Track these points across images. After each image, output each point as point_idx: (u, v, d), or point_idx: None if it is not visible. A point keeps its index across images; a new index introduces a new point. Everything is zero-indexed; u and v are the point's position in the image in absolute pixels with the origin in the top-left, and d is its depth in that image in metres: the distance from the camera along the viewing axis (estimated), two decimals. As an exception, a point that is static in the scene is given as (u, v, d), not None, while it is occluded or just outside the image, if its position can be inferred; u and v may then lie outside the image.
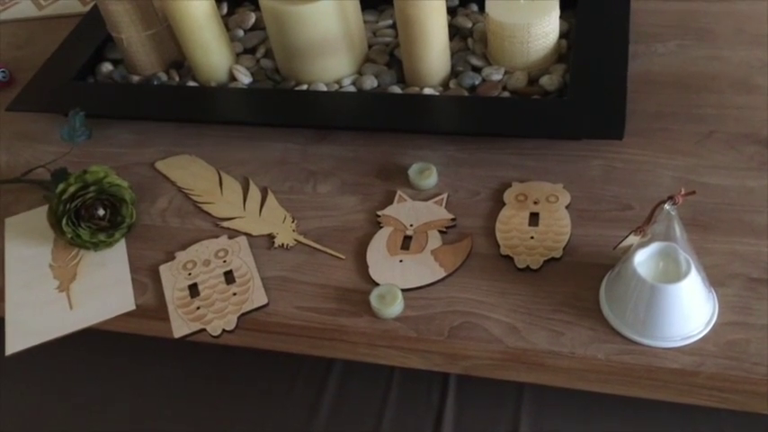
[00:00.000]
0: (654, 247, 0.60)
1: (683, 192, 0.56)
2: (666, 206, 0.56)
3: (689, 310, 0.59)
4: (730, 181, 0.71)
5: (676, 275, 0.59)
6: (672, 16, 0.91)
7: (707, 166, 0.73)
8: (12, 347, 0.70)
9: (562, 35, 0.87)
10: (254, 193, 0.80)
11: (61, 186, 0.74)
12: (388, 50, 0.93)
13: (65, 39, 1.01)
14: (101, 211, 0.75)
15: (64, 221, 0.74)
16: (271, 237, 0.75)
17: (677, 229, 0.57)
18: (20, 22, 1.15)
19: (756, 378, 0.57)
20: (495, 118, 0.79)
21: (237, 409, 0.86)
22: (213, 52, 0.90)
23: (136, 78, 0.95)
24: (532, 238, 0.70)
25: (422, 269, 0.69)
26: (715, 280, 0.63)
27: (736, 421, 0.73)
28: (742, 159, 0.73)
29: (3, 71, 1.01)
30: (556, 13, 0.82)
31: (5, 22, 1.16)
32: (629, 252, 0.61)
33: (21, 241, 0.80)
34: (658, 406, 0.64)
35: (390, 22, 0.96)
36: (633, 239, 0.61)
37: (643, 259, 0.60)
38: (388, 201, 0.77)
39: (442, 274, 0.69)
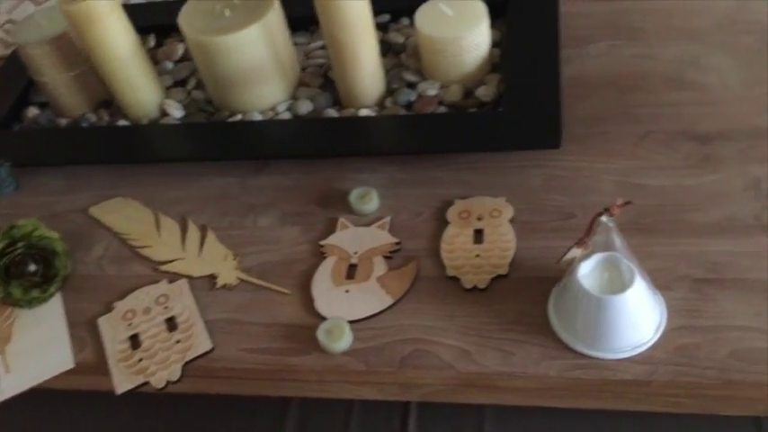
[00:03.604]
0: (596, 258, 0.59)
1: (618, 202, 0.55)
2: (603, 218, 0.56)
3: (637, 319, 0.59)
4: (669, 181, 0.71)
5: (621, 285, 0.58)
6: (601, 17, 0.91)
7: (646, 168, 0.73)
8: (-54, 420, 0.67)
9: (494, 44, 0.87)
10: (193, 232, 0.78)
11: (-13, 245, 0.71)
12: (322, 72, 0.91)
13: (-14, 85, 0.97)
14: (32, 267, 0.72)
15: (-7, 281, 0.71)
16: (212, 277, 0.73)
17: (617, 240, 0.57)
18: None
19: (708, 383, 0.57)
20: (432, 135, 0.78)
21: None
22: (141, 89, 0.87)
23: (64, 121, 0.92)
24: (478, 256, 0.69)
25: (368, 298, 0.68)
26: (661, 284, 0.62)
27: (697, 421, 0.73)
28: (679, 158, 0.73)
29: (-76, 124, 0.97)
30: (486, 23, 0.82)
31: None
32: (573, 265, 0.60)
33: (-49, 304, 0.76)
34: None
35: (322, 42, 0.95)
36: (576, 252, 0.60)
37: (587, 272, 0.59)
38: (331, 229, 0.75)
39: (389, 301, 0.67)
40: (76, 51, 0.89)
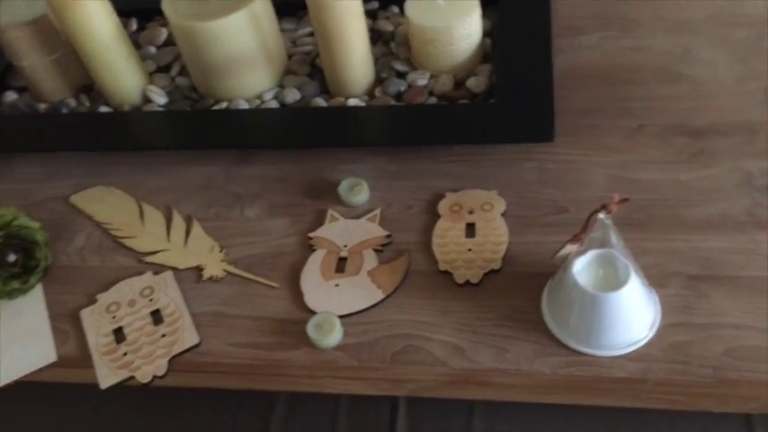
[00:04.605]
0: (591, 254, 0.58)
1: (616, 199, 0.54)
2: (600, 215, 0.55)
3: (631, 317, 0.58)
4: (662, 175, 0.71)
5: (616, 282, 0.57)
6: (593, 8, 0.90)
7: (638, 162, 0.72)
8: (-77, 415, 0.65)
9: (486, 34, 0.85)
10: (178, 222, 0.76)
11: (-36, 235, 0.69)
12: (310, 60, 0.89)
13: (-38, 69, 0.94)
14: (11, 257, 0.70)
15: (-30, 272, 0.69)
16: (199, 269, 0.71)
17: (613, 237, 0.56)
18: None
19: (702, 381, 0.56)
20: (423, 126, 0.77)
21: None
22: (123, 74, 0.85)
23: (43, 107, 0.89)
24: (470, 250, 0.68)
25: (359, 292, 0.67)
26: (655, 281, 0.62)
27: (687, 418, 0.73)
28: (672, 152, 0.73)
29: None
30: (477, 12, 0.80)
31: None
32: (567, 261, 0.59)
33: (-74, 295, 0.74)
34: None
35: (310, 29, 0.93)
36: (570, 248, 0.59)
37: (581, 268, 0.59)
38: (320, 221, 0.74)
39: (380, 296, 0.66)
40: (57, 35, 0.86)
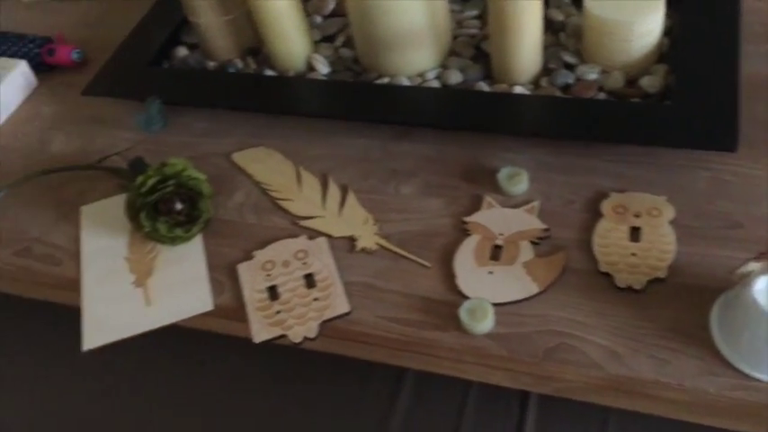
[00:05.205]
0: (778, 276, 0.55)
1: (820, 221, 0.51)
2: (801, 236, 0.51)
3: (814, 347, 0.54)
4: None
5: (801, 308, 0.54)
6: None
7: (827, 184, 0.68)
8: (89, 343, 0.69)
9: (664, 32, 0.82)
10: (334, 191, 0.77)
11: (140, 179, 0.72)
12: (475, 43, 0.88)
13: (140, 20, 0.99)
14: (179, 205, 0.73)
15: (142, 215, 0.72)
16: (352, 239, 0.72)
17: (809, 261, 0.53)
18: (90, 0, 1.13)
19: None
20: (590, 121, 0.75)
21: (308, 414, 0.84)
22: (292, 41, 0.87)
23: (212, 64, 0.93)
24: (634, 255, 0.65)
25: (513, 283, 0.66)
26: (839, 313, 0.58)
27: None
28: None
29: (78, 51, 0.99)
30: (662, 9, 0.77)
31: (76, 0, 1.14)
32: (747, 278, 0.56)
33: (96, 231, 0.78)
34: None
35: (476, 12, 0.92)
36: (753, 266, 0.56)
37: (763, 287, 0.55)
38: (474, 206, 0.73)
39: (535, 289, 0.65)
40: (235, -4, 0.89)
